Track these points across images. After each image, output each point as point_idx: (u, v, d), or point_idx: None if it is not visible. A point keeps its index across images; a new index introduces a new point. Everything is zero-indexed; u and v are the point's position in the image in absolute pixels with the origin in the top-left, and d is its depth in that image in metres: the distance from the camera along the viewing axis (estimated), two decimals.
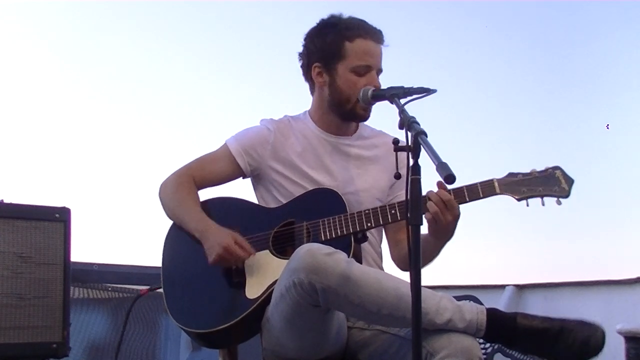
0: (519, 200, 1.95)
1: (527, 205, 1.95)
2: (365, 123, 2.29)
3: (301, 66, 2.27)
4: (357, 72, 2.12)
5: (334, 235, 1.99)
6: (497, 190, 1.95)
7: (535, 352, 1.85)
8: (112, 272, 3.49)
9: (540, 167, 1.99)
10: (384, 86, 2.00)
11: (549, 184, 1.95)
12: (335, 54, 2.15)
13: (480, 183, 1.96)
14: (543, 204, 1.95)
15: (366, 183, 2.21)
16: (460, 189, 1.94)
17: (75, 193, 4.58)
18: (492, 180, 1.97)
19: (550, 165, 1.99)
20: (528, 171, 1.98)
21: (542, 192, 1.94)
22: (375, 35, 2.15)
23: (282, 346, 1.93)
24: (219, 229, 2.06)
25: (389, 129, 2.32)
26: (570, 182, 1.95)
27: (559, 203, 1.94)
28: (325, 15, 2.22)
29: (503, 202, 1.97)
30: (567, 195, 1.94)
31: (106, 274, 3.47)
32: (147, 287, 2.76)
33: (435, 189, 1.89)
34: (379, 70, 2.16)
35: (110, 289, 3.49)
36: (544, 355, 1.82)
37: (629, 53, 5.05)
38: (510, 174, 1.98)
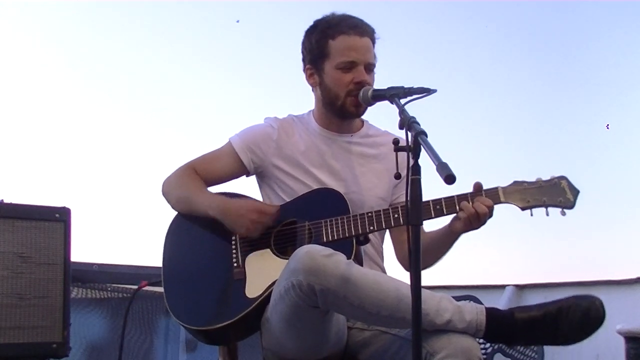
0: (523, 209, 1.93)
1: (532, 214, 1.94)
2: (372, 122, 2.29)
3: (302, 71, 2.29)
4: (343, 69, 2.12)
5: (335, 237, 1.99)
6: (502, 199, 1.94)
7: (540, 341, 1.84)
8: (112, 272, 3.49)
9: (545, 175, 1.96)
10: (384, 86, 1.97)
11: (554, 194, 1.93)
12: (321, 54, 2.16)
13: (485, 190, 1.95)
14: (547, 214, 1.93)
15: (369, 182, 2.20)
16: (464, 196, 1.94)
17: (75, 193, 4.59)
18: (496, 188, 1.95)
19: (556, 174, 1.96)
20: (533, 180, 1.96)
21: (547, 202, 1.92)
22: (358, 29, 2.14)
23: (282, 346, 1.92)
24: (236, 201, 2.07)
25: (388, 129, 2.32)
26: (575, 193, 1.92)
27: (564, 214, 1.92)
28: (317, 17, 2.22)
29: (504, 204, 1.96)
30: (572, 206, 1.92)
31: (106, 274, 3.47)
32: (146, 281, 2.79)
33: (438, 193, 1.90)
34: (369, 65, 2.14)
35: (110, 289, 3.50)
36: (550, 340, 1.79)
37: (629, 53, 5.05)
38: (516, 182, 1.96)
